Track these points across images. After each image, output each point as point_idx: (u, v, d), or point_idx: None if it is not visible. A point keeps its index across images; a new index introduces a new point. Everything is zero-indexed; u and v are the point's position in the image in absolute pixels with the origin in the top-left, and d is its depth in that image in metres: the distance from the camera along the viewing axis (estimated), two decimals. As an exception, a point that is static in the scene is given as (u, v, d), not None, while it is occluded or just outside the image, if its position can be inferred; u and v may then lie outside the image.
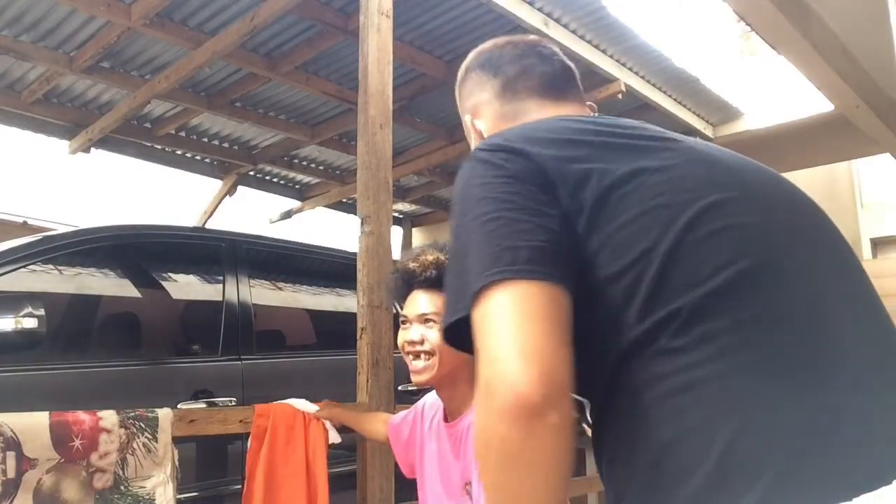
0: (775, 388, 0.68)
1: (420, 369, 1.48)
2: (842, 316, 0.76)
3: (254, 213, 6.90)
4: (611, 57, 4.17)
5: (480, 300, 0.69)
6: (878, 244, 9.22)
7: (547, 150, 0.80)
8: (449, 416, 1.52)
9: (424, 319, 1.48)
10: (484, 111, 1.06)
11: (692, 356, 0.69)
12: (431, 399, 1.65)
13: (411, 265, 1.51)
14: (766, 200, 0.83)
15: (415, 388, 1.58)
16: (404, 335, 1.52)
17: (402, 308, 1.56)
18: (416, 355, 1.48)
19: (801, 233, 0.83)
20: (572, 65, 1.11)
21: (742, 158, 0.90)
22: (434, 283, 1.45)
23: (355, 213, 2.79)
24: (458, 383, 1.47)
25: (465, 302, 0.71)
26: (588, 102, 1.10)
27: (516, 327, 0.66)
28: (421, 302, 1.49)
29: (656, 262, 0.73)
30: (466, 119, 1.10)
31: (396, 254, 2.50)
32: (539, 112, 1.01)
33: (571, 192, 0.77)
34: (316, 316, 3.46)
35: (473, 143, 1.08)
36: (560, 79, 1.07)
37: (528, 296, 0.68)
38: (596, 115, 1.04)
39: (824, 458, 0.65)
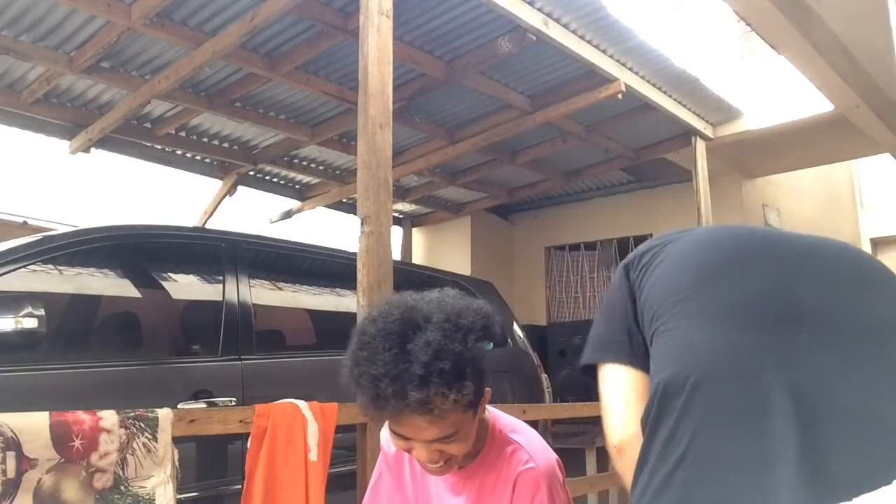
0: None
1: (441, 470, 1.24)
2: None
3: (254, 213, 6.89)
4: (611, 57, 4.17)
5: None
6: (878, 244, 9.21)
7: None
8: None
9: (441, 440, 1.17)
10: None
11: None
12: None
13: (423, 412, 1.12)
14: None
15: None
16: (403, 447, 1.22)
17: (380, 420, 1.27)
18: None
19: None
20: None
21: None
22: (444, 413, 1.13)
23: (355, 213, 2.78)
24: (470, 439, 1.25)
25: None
26: None
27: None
28: (424, 431, 1.15)
29: None
30: None
31: (397, 254, 2.50)
32: None
33: None
34: (316, 316, 3.46)
35: None
36: None
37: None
38: None
39: None
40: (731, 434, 0.80)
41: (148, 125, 4.94)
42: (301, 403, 2.18)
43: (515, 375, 4.02)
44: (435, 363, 1.08)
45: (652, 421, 0.86)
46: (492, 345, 1.19)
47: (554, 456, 1.31)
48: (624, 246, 7.10)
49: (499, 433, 1.31)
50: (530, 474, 1.23)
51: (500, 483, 1.26)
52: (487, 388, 1.21)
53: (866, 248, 9.02)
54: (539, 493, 1.22)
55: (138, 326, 2.80)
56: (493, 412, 1.34)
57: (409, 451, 1.22)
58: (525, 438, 1.30)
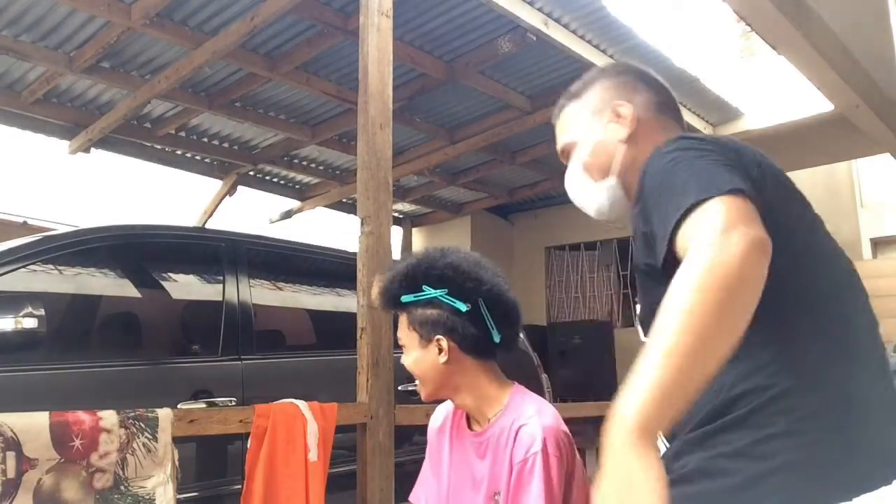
0: None
1: (418, 389, 1.52)
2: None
3: (254, 213, 6.90)
4: (611, 57, 4.17)
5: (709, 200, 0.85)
6: (878, 244, 9.21)
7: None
8: (473, 422, 1.51)
9: (400, 344, 1.53)
10: (631, 115, 1.12)
11: None
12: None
13: (373, 292, 1.59)
14: None
15: (415, 387, 1.58)
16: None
17: None
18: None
19: None
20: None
21: None
22: (385, 309, 1.54)
23: (355, 213, 2.79)
24: (459, 393, 1.47)
25: (710, 193, 0.85)
26: None
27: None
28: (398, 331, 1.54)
29: None
30: (594, 118, 1.15)
31: (396, 254, 2.50)
32: (674, 129, 1.14)
33: None
34: (316, 316, 3.46)
35: (588, 145, 1.15)
36: (678, 109, 1.23)
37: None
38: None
39: None
40: None
41: (148, 125, 4.94)
42: (301, 403, 2.18)
43: (515, 375, 4.02)
44: (399, 269, 1.47)
45: None
46: (462, 304, 1.40)
47: (563, 428, 1.38)
48: (624, 246, 7.10)
49: (518, 401, 1.43)
50: (529, 429, 1.33)
51: (507, 438, 1.37)
52: (439, 337, 1.42)
53: (866, 248, 9.02)
54: (534, 446, 1.30)
55: (138, 326, 2.80)
56: (521, 391, 1.47)
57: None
58: (539, 408, 1.40)
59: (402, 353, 1.57)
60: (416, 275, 1.45)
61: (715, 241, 0.80)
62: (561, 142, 1.20)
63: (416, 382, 1.52)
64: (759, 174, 0.96)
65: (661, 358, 0.76)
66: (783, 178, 1.04)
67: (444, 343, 1.43)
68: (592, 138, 1.14)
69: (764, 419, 0.89)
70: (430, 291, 1.43)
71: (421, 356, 1.45)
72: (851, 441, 0.88)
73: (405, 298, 1.45)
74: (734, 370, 0.89)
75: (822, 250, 1.04)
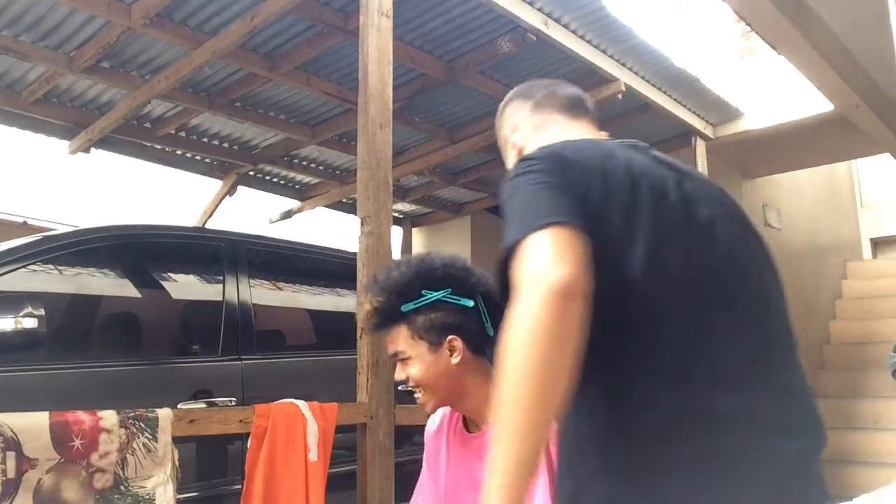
0: None
1: (422, 402, 1.48)
2: None
3: (254, 213, 6.90)
4: (611, 57, 4.17)
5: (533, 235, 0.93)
6: (878, 244, 9.21)
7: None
8: (471, 424, 1.50)
9: (399, 359, 1.48)
10: (521, 125, 1.37)
11: None
12: None
13: (359, 319, 1.54)
14: None
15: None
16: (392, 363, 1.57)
17: None
18: (412, 391, 1.49)
19: None
20: (587, 96, 1.43)
21: None
22: (380, 327, 1.48)
23: (355, 213, 2.79)
24: (466, 395, 1.45)
25: (525, 232, 0.94)
26: (601, 132, 1.38)
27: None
28: (389, 345, 1.50)
29: None
30: (506, 135, 1.41)
31: (396, 254, 2.50)
32: (563, 123, 1.33)
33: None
34: (316, 316, 3.46)
35: (511, 156, 1.38)
36: (576, 101, 1.39)
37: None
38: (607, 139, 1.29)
39: None
40: None
41: (148, 125, 4.94)
42: (301, 403, 2.19)
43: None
44: (390, 281, 1.44)
45: None
46: (468, 301, 1.41)
47: None
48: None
49: None
50: None
51: None
52: (452, 337, 1.41)
53: (866, 248, 9.02)
54: None
55: (138, 326, 2.80)
56: None
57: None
58: None
59: None
60: (412, 282, 1.43)
61: (521, 303, 0.89)
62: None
63: (419, 396, 1.47)
64: (597, 187, 1.02)
65: (503, 434, 0.87)
66: (634, 182, 1.04)
67: (458, 343, 1.41)
68: (511, 162, 1.36)
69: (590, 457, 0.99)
70: (432, 294, 1.42)
71: (432, 362, 1.42)
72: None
73: (406, 307, 1.42)
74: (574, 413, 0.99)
75: (671, 260, 1.02)
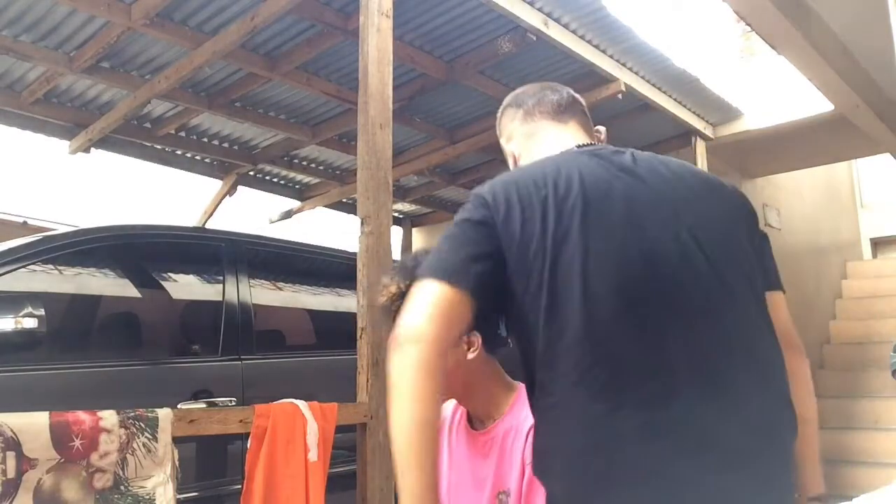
0: None
1: None
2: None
3: (254, 213, 6.90)
4: (611, 57, 4.17)
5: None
6: (878, 244, 9.20)
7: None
8: (476, 421, 1.50)
9: None
10: (514, 135, 1.46)
11: None
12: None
13: (381, 298, 1.51)
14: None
15: None
16: None
17: None
18: None
19: None
20: (579, 97, 1.48)
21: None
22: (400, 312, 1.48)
23: (355, 213, 2.79)
24: (474, 391, 1.45)
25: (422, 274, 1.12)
26: (596, 127, 1.47)
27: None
28: None
29: None
30: (503, 144, 1.50)
31: (396, 254, 2.50)
32: (550, 131, 1.40)
33: None
34: (316, 316, 3.46)
35: (510, 165, 1.47)
36: (564, 106, 1.43)
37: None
38: (598, 144, 1.39)
39: None
40: None
41: (148, 125, 4.94)
42: (301, 403, 2.19)
43: (514, 375, 4.02)
44: (406, 265, 1.46)
45: None
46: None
47: None
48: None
49: (525, 401, 1.40)
50: None
51: (516, 438, 1.35)
52: (473, 333, 1.40)
53: (866, 248, 9.02)
54: None
55: (138, 326, 2.80)
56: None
57: None
58: None
59: None
60: None
61: (394, 350, 1.06)
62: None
63: None
64: (520, 217, 1.12)
65: (397, 471, 1.03)
66: (567, 198, 1.12)
67: (477, 339, 1.41)
68: (507, 152, 1.50)
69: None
70: None
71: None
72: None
73: None
74: None
75: (600, 270, 1.07)
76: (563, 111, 1.42)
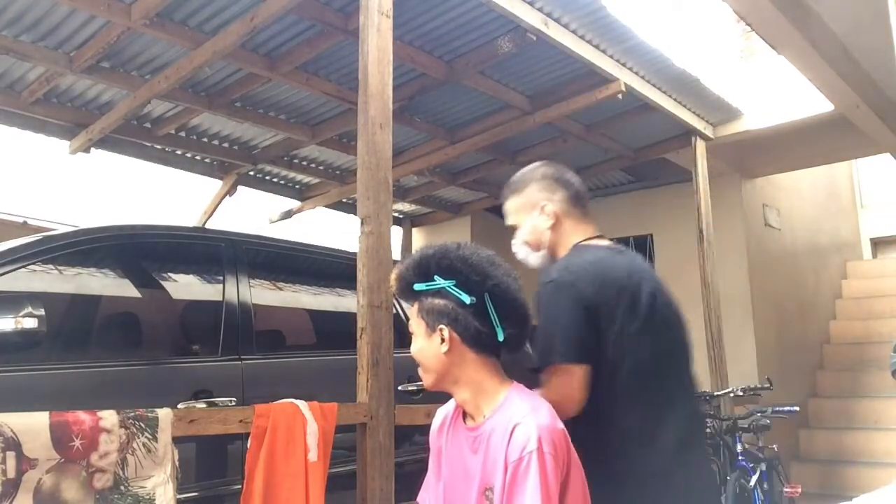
0: None
1: (420, 375, 1.55)
2: None
3: (254, 213, 6.90)
4: (611, 57, 4.17)
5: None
6: (878, 244, 9.21)
7: None
8: (468, 418, 1.53)
9: (410, 332, 1.55)
10: (554, 211, 1.70)
11: None
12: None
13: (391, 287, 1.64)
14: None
15: (415, 387, 1.59)
16: None
17: None
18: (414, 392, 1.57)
19: None
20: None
21: None
22: (399, 296, 1.62)
23: (355, 213, 2.79)
24: (458, 384, 1.49)
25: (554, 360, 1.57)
26: None
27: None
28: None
29: None
30: (522, 206, 1.74)
31: (396, 254, 2.50)
32: (578, 222, 1.73)
33: None
34: (316, 316, 3.46)
35: (528, 230, 1.73)
36: (585, 196, 1.76)
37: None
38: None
39: None
40: None
41: (148, 125, 4.94)
42: (301, 403, 2.19)
43: (513, 375, 4.02)
44: (420, 258, 1.53)
45: None
46: (466, 297, 1.46)
47: (560, 427, 1.39)
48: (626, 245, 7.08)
49: (514, 399, 1.44)
50: (524, 428, 1.34)
51: (502, 436, 1.37)
52: (442, 327, 1.45)
53: (866, 248, 9.03)
54: (529, 444, 1.31)
55: (138, 326, 2.80)
56: (520, 389, 1.50)
57: None
58: (534, 406, 1.40)
59: (401, 353, 1.58)
60: (429, 264, 1.50)
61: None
62: (509, 222, 1.78)
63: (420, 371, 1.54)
64: (611, 309, 1.53)
65: None
66: (634, 290, 1.58)
67: (447, 333, 1.45)
68: (530, 224, 1.73)
69: None
70: (439, 281, 1.47)
71: (425, 345, 1.49)
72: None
73: (417, 286, 1.50)
74: None
75: (646, 364, 1.55)
76: (586, 204, 1.74)
